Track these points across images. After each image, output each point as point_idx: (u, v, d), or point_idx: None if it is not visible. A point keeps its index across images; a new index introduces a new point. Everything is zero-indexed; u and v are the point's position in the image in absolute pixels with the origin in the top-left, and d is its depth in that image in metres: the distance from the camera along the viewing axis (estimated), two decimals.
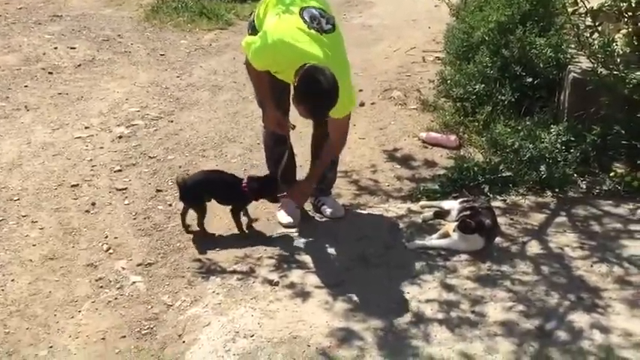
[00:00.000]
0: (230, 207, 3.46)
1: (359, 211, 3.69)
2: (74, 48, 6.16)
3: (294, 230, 3.49)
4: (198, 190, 3.42)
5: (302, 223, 3.55)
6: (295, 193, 3.45)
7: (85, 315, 2.91)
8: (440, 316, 2.84)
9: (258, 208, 3.63)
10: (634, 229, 3.44)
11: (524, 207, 3.66)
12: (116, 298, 3.01)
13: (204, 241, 3.40)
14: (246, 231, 3.48)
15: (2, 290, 3.04)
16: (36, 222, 3.56)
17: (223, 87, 5.43)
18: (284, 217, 3.57)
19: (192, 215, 3.46)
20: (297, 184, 3.51)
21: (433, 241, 3.33)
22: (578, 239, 3.36)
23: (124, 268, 3.21)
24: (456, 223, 3.28)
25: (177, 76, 5.64)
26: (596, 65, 3.92)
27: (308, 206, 3.71)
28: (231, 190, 3.43)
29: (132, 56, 6.08)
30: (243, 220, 3.50)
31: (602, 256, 3.22)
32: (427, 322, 2.81)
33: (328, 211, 3.62)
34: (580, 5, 3.90)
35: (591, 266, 3.15)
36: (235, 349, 2.69)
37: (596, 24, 3.90)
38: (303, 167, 3.76)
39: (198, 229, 3.43)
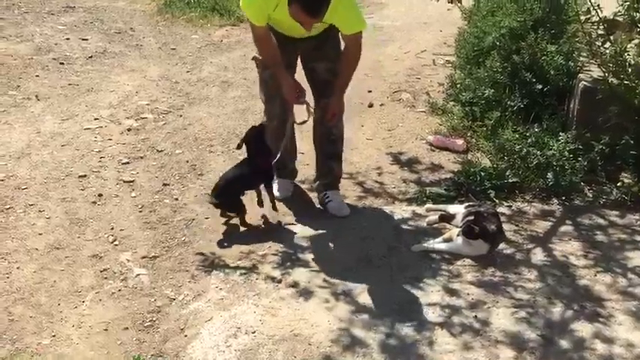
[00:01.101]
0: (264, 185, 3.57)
1: (364, 212, 3.69)
2: (86, 39, 6.20)
3: (299, 227, 3.50)
4: (233, 191, 3.46)
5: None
6: (332, 109, 3.44)
7: (89, 305, 2.93)
8: (442, 320, 2.85)
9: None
10: (639, 240, 3.42)
11: (529, 214, 3.65)
12: (120, 290, 3.03)
13: (209, 235, 3.42)
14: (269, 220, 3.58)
15: (7, 278, 3.07)
16: (43, 211, 3.58)
17: (233, 83, 5.44)
18: (276, 191, 3.66)
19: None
20: (331, 102, 3.44)
21: (437, 244, 3.33)
22: (583, 248, 3.36)
23: (128, 260, 3.23)
24: (460, 228, 3.29)
25: (188, 71, 5.66)
26: (606, 74, 3.91)
27: (314, 199, 3.72)
28: (255, 174, 3.51)
29: (143, 50, 6.11)
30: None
31: (607, 266, 3.21)
32: (429, 326, 2.81)
33: (332, 208, 3.63)
34: (593, 14, 3.89)
35: (595, 276, 3.14)
36: (236, 344, 2.70)
37: (609, 33, 3.89)
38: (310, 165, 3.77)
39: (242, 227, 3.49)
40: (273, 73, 3.39)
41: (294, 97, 3.38)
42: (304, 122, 3.56)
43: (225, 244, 3.36)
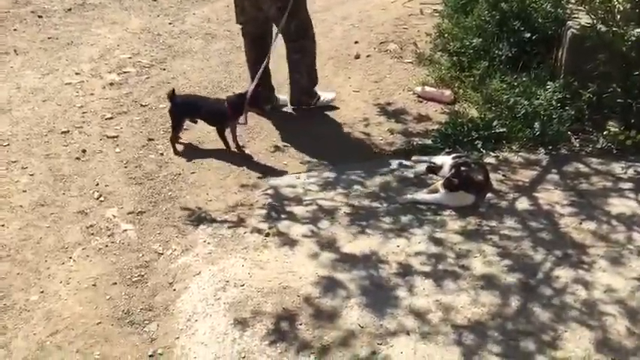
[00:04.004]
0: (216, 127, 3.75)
1: (350, 163, 3.68)
2: None
3: (285, 179, 3.49)
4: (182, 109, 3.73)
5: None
6: None
7: (76, 261, 2.93)
8: (427, 268, 2.88)
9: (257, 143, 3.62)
10: (624, 188, 3.45)
11: (515, 163, 3.66)
12: (107, 246, 3.03)
13: (195, 190, 3.41)
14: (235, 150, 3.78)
15: None
16: (26, 168, 3.54)
17: (217, 35, 5.32)
18: (327, 94, 4.20)
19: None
20: None
21: (424, 195, 3.34)
22: (568, 196, 3.38)
23: (114, 216, 3.22)
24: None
25: (170, 23, 5.52)
26: (595, 21, 3.86)
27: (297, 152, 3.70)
28: (216, 113, 3.70)
29: (123, 1, 5.92)
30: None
31: (591, 214, 3.24)
32: (414, 274, 2.85)
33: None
34: None
35: (580, 223, 3.17)
36: (225, 297, 2.72)
37: None
38: None
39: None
40: None
41: None
42: None
43: (213, 198, 3.35)
